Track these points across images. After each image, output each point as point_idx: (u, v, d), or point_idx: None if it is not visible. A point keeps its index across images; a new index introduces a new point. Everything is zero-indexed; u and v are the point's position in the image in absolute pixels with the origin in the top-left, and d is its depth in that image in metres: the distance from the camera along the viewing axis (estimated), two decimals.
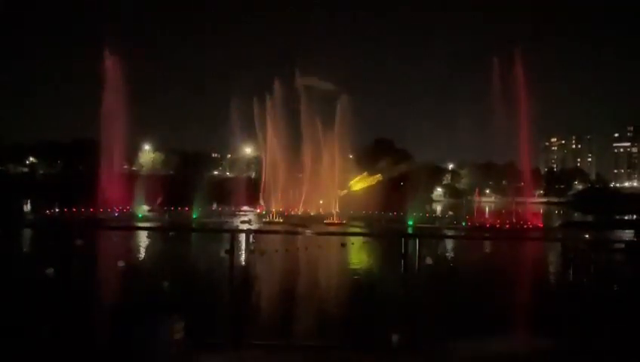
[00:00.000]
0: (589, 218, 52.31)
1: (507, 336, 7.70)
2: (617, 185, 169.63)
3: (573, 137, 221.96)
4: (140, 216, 40.82)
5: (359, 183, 40.33)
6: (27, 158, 73.46)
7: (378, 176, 41.48)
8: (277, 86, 39.04)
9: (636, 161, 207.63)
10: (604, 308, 9.13)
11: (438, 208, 51.26)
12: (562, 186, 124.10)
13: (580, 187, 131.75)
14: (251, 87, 40.51)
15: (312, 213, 39.87)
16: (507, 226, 39.09)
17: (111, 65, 41.38)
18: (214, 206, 44.72)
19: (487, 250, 20.57)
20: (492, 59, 42.19)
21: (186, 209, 43.08)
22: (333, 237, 22.78)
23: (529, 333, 7.95)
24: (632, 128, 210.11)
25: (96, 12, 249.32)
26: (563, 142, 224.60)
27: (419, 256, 7.87)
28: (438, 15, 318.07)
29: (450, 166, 57.11)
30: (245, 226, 29.33)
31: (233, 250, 7.78)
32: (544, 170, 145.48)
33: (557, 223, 43.29)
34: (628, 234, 31.55)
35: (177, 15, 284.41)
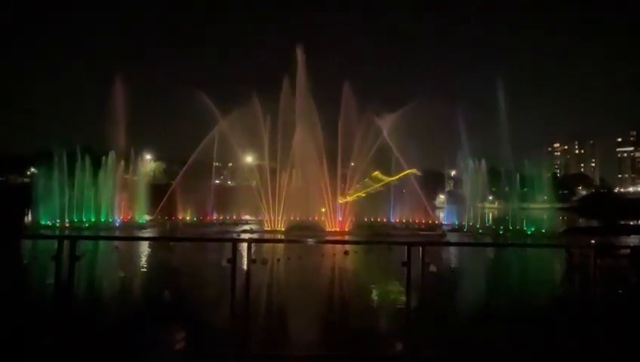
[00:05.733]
0: (594, 223, 51.97)
1: (508, 344, 7.56)
2: (621, 189, 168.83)
3: (576, 142, 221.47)
4: (143, 221, 40.83)
5: (355, 194, 39.80)
6: (28, 169, 73.78)
7: (374, 187, 40.93)
8: (276, 90, 38.99)
9: None
10: (609, 315, 8.97)
11: (441, 215, 50.98)
12: (566, 192, 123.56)
13: (584, 192, 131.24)
14: (252, 91, 40.31)
15: (315, 221, 39.71)
16: (507, 233, 38.84)
17: (113, 79, 41.70)
18: (215, 215, 44.66)
19: (492, 257, 20.42)
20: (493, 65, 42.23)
21: (187, 218, 43.05)
22: (336, 246, 22.66)
23: (531, 341, 7.80)
24: (635, 132, 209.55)
25: (95, 22, 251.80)
26: (566, 147, 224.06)
27: (422, 264, 7.74)
28: (440, 18, 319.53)
29: (453, 172, 56.87)
30: (247, 235, 29.20)
31: (235, 259, 7.68)
32: (547, 175, 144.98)
33: (561, 229, 42.96)
34: (633, 240, 31.31)
35: (177, 17, 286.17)
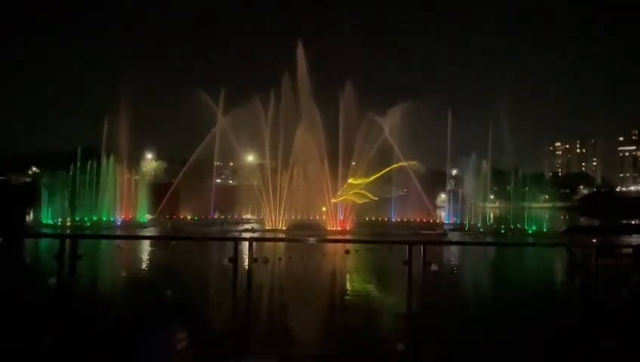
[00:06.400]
0: (595, 222, 51.91)
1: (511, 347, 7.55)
2: (623, 188, 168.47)
3: (578, 141, 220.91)
4: (144, 220, 40.89)
5: (348, 191, 39.29)
6: (30, 168, 73.97)
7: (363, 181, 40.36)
8: (276, 90, 38.98)
9: None
10: (612, 314, 8.97)
11: (442, 214, 50.90)
12: (567, 191, 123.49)
13: (586, 191, 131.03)
14: (253, 91, 40.34)
15: (316, 221, 39.76)
16: (508, 232, 38.78)
17: (114, 79, 41.75)
18: (217, 214, 44.71)
19: (493, 256, 20.43)
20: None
21: (188, 217, 43.14)
22: (337, 245, 22.65)
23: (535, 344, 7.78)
24: (636, 131, 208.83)
25: (95, 21, 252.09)
26: (567, 146, 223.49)
27: (424, 263, 7.75)
28: (438, 14, 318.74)
29: (454, 171, 56.83)
30: (248, 234, 29.20)
31: (237, 258, 7.69)
32: (549, 174, 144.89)
33: (563, 228, 42.90)
34: (635, 239, 31.24)
35: (177, 16, 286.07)
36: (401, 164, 40.99)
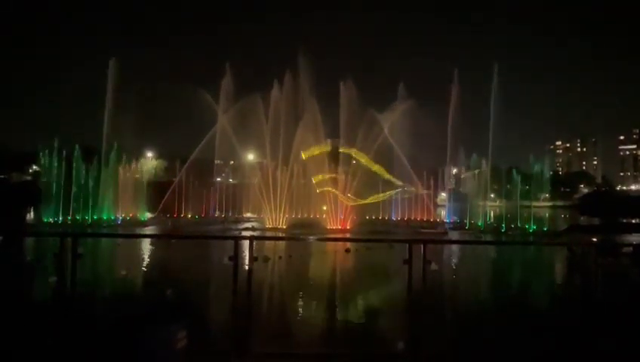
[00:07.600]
0: (596, 221, 51.87)
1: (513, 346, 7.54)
2: (623, 188, 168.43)
3: (578, 140, 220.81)
4: (144, 219, 40.88)
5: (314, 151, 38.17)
6: (30, 167, 73.89)
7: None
8: (277, 89, 38.88)
9: None
10: (612, 314, 8.96)
11: (443, 213, 50.89)
12: (568, 190, 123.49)
13: (586, 190, 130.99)
14: (253, 90, 40.31)
15: (316, 219, 39.76)
16: (509, 231, 38.76)
17: (112, 73, 41.57)
18: (217, 213, 44.69)
19: (493, 255, 20.41)
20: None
21: (188, 216, 43.12)
22: (337, 243, 22.64)
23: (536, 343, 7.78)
24: (637, 130, 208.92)
25: (95, 20, 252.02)
26: (568, 145, 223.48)
27: (424, 262, 7.74)
28: (439, 14, 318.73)
29: (455, 170, 56.77)
30: (249, 233, 29.19)
31: (237, 256, 7.68)
32: (549, 173, 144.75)
33: (563, 227, 42.86)
34: (635, 238, 31.25)
35: (177, 16, 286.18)
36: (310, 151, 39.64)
